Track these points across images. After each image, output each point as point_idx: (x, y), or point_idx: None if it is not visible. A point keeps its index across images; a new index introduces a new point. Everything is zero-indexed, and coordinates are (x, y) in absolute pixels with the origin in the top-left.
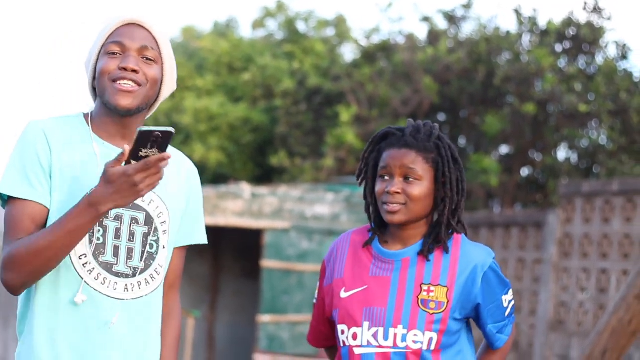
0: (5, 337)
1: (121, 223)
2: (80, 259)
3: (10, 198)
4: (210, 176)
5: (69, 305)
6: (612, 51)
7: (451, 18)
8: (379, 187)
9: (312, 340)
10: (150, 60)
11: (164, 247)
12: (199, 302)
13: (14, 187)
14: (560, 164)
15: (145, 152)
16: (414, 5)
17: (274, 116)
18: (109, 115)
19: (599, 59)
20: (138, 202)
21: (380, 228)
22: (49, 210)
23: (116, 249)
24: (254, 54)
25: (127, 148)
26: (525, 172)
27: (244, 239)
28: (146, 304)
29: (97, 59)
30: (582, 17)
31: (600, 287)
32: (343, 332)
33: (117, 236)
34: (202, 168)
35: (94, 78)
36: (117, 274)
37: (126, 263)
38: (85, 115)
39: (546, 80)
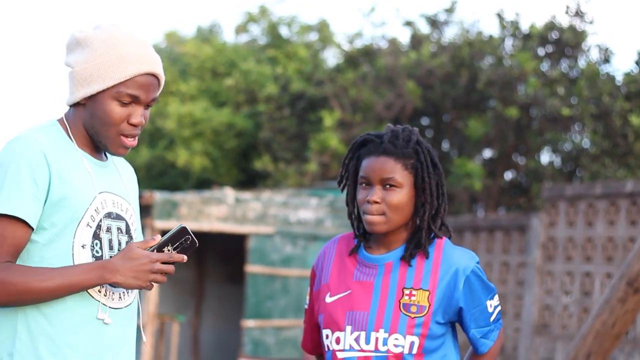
0: None
1: (111, 234)
2: None
3: None
4: (194, 181)
5: (76, 318)
6: (594, 55)
7: (434, 22)
8: (360, 195)
9: (307, 347)
10: (150, 106)
11: None
12: (183, 307)
13: (10, 206)
14: (544, 168)
15: (168, 249)
16: (396, 10)
17: (258, 121)
18: (89, 134)
19: (582, 63)
20: (120, 212)
21: (365, 234)
22: (31, 231)
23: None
24: (237, 59)
25: (159, 237)
26: (508, 175)
27: (228, 244)
28: (132, 309)
29: (103, 92)
30: (564, 21)
31: (584, 291)
32: (327, 337)
33: (110, 247)
34: (186, 173)
35: (88, 98)
36: (114, 284)
37: None
38: (62, 124)
39: (529, 84)
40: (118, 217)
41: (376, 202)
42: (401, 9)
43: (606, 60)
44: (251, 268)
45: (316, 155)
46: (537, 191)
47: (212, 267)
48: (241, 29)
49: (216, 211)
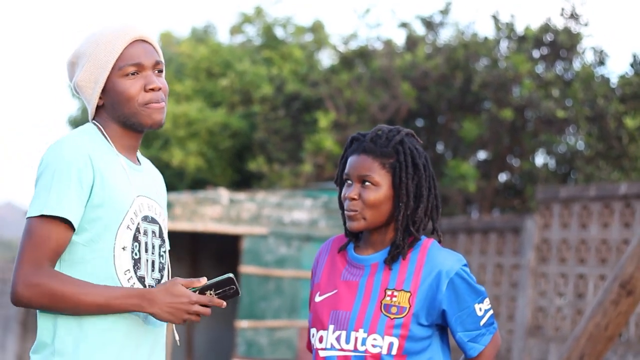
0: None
1: (147, 237)
2: (125, 274)
3: (43, 215)
4: (189, 181)
5: (117, 318)
6: (589, 57)
7: (429, 24)
8: (342, 193)
9: (309, 347)
10: (161, 72)
11: (168, 257)
12: None
13: (58, 208)
14: (538, 170)
15: (210, 293)
16: (391, 11)
17: (253, 122)
18: (127, 132)
19: (577, 65)
20: (154, 215)
21: (354, 233)
22: (72, 233)
23: (146, 262)
24: (232, 59)
25: (204, 280)
26: (503, 177)
27: (222, 245)
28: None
29: (109, 80)
30: (559, 23)
31: (578, 292)
32: (313, 336)
33: (146, 250)
34: (180, 173)
35: (102, 95)
36: (148, 287)
37: (151, 275)
38: (100, 129)
39: (524, 86)
40: (153, 221)
41: (353, 199)
42: (396, 11)
43: (601, 63)
44: (245, 269)
45: (311, 156)
46: (531, 193)
47: (206, 268)
48: (236, 29)
49: (210, 211)
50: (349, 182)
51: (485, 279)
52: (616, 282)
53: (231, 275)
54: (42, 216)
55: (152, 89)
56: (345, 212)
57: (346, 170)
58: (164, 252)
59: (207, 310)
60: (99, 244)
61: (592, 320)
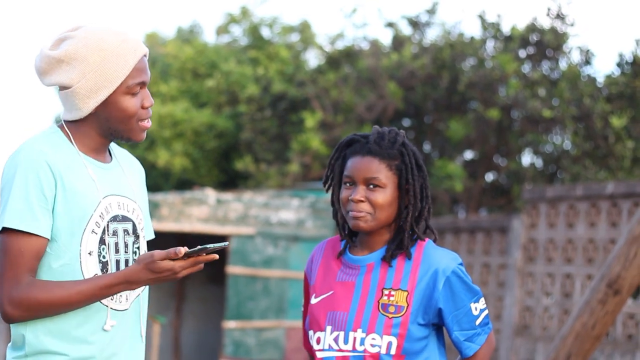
0: None
1: (117, 237)
2: None
3: (9, 229)
4: (175, 182)
5: (85, 322)
6: (575, 57)
7: (415, 24)
8: (343, 194)
9: (307, 347)
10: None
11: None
12: (164, 308)
13: (21, 221)
14: (525, 169)
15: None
16: (378, 11)
17: (239, 122)
18: (103, 139)
19: (563, 65)
20: (126, 213)
21: (350, 235)
22: (46, 241)
23: (117, 262)
24: (218, 59)
25: (183, 251)
26: (489, 177)
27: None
28: (134, 308)
29: (112, 93)
30: (545, 23)
31: (565, 292)
32: (311, 338)
33: (117, 250)
34: (166, 174)
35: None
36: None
37: None
38: (63, 131)
39: (510, 86)
40: (124, 219)
41: (360, 201)
42: (383, 10)
43: (587, 62)
44: (232, 269)
45: (297, 156)
46: (518, 193)
47: None
48: (222, 30)
49: (197, 212)
50: (350, 184)
51: (473, 279)
52: (603, 282)
53: (206, 246)
54: (8, 231)
55: (147, 107)
56: (351, 213)
57: (348, 172)
58: (138, 247)
59: (199, 267)
60: (65, 251)
61: (579, 319)
